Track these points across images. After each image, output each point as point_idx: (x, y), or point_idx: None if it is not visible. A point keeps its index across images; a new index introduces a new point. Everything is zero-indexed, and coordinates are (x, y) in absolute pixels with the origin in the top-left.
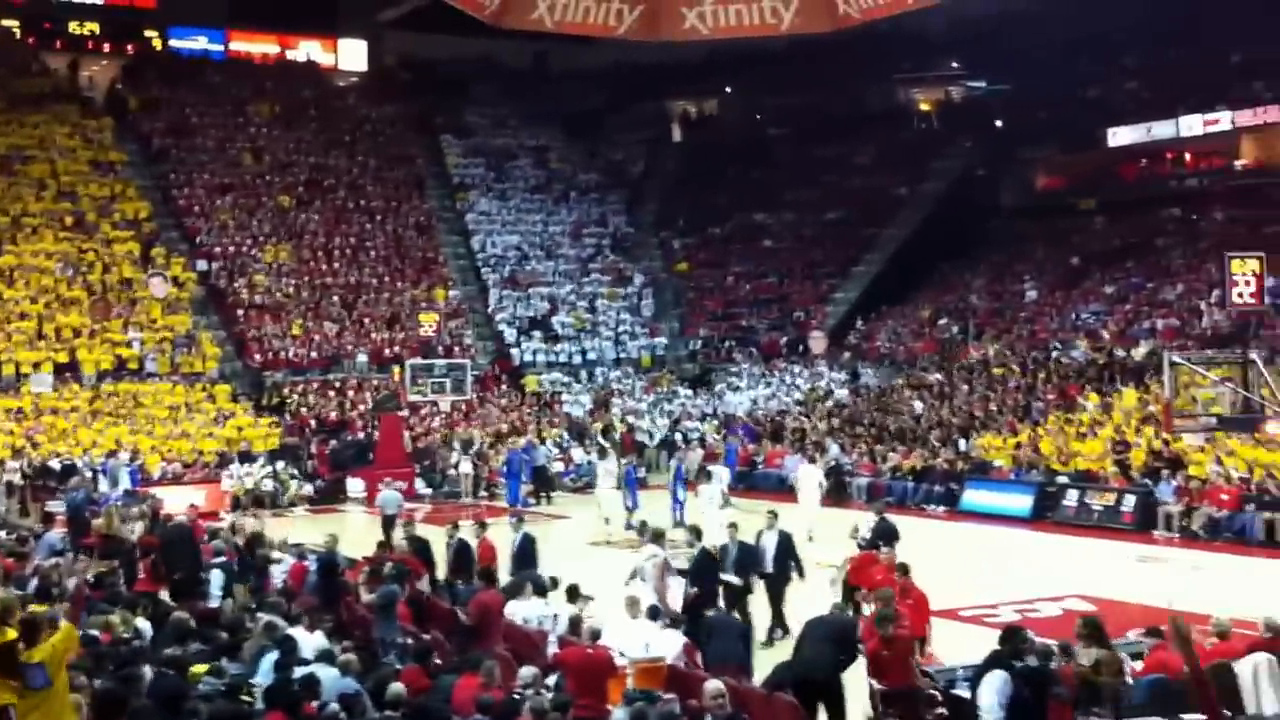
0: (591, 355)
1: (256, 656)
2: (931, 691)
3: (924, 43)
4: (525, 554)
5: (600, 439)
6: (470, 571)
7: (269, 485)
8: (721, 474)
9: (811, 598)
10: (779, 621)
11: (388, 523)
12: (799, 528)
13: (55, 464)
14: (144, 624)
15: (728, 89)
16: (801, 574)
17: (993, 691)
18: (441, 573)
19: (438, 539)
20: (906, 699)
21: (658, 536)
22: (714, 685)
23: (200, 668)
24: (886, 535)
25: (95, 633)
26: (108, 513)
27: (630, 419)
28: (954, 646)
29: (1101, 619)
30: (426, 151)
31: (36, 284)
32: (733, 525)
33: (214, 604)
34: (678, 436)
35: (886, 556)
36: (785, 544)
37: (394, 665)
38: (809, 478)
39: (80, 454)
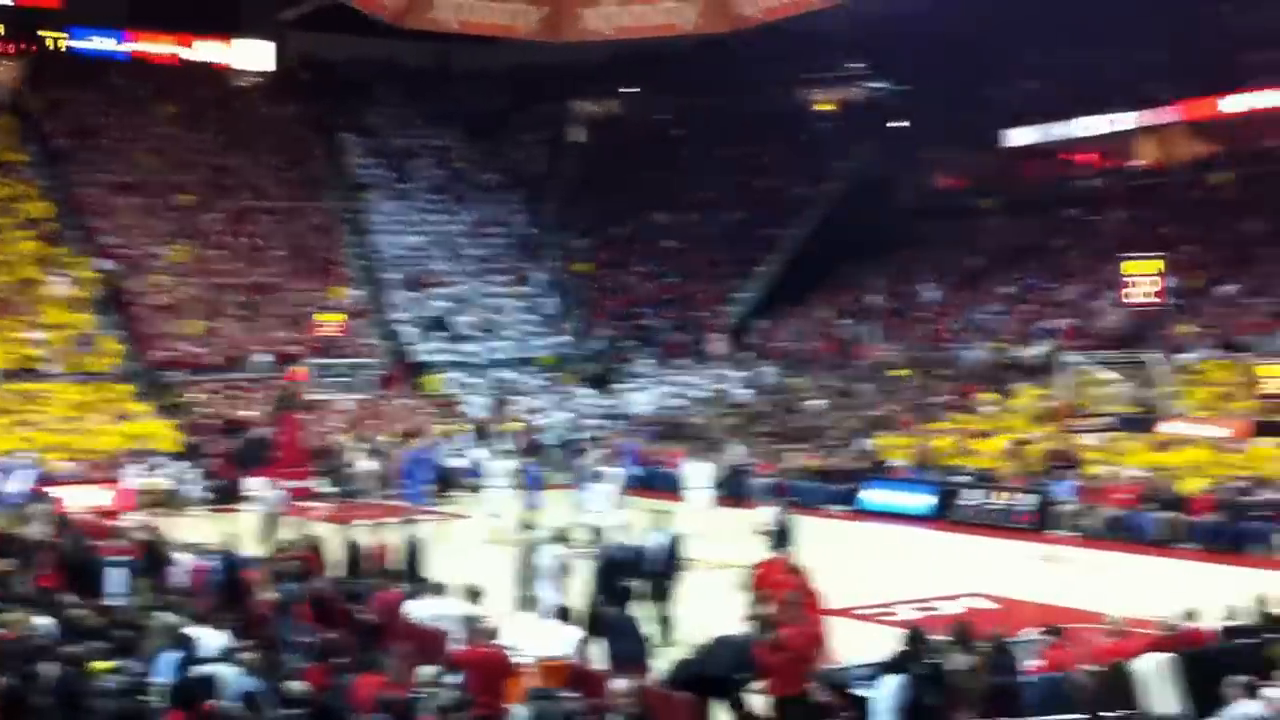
0: (493, 355)
1: (157, 655)
2: (823, 700)
3: (825, 43)
4: (413, 554)
5: (501, 440)
6: (362, 571)
7: (169, 485)
8: (616, 474)
9: (719, 600)
10: (666, 624)
11: (271, 522)
12: (690, 526)
13: None
14: (46, 622)
15: (630, 90)
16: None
17: (888, 697)
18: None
19: (339, 538)
20: (796, 707)
21: (559, 536)
22: (621, 683)
23: (102, 664)
24: (785, 535)
25: None
26: (9, 512)
27: (531, 419)
28: (853, 645)
29: (969, 623)
30: (328, 152)
31: None
32: (620, 527)
33: (115, 602)
34: (579, 437)
35: (784, 557)
36: (673, 545)
37: (295, 664)
38: (697, 475)
39: None
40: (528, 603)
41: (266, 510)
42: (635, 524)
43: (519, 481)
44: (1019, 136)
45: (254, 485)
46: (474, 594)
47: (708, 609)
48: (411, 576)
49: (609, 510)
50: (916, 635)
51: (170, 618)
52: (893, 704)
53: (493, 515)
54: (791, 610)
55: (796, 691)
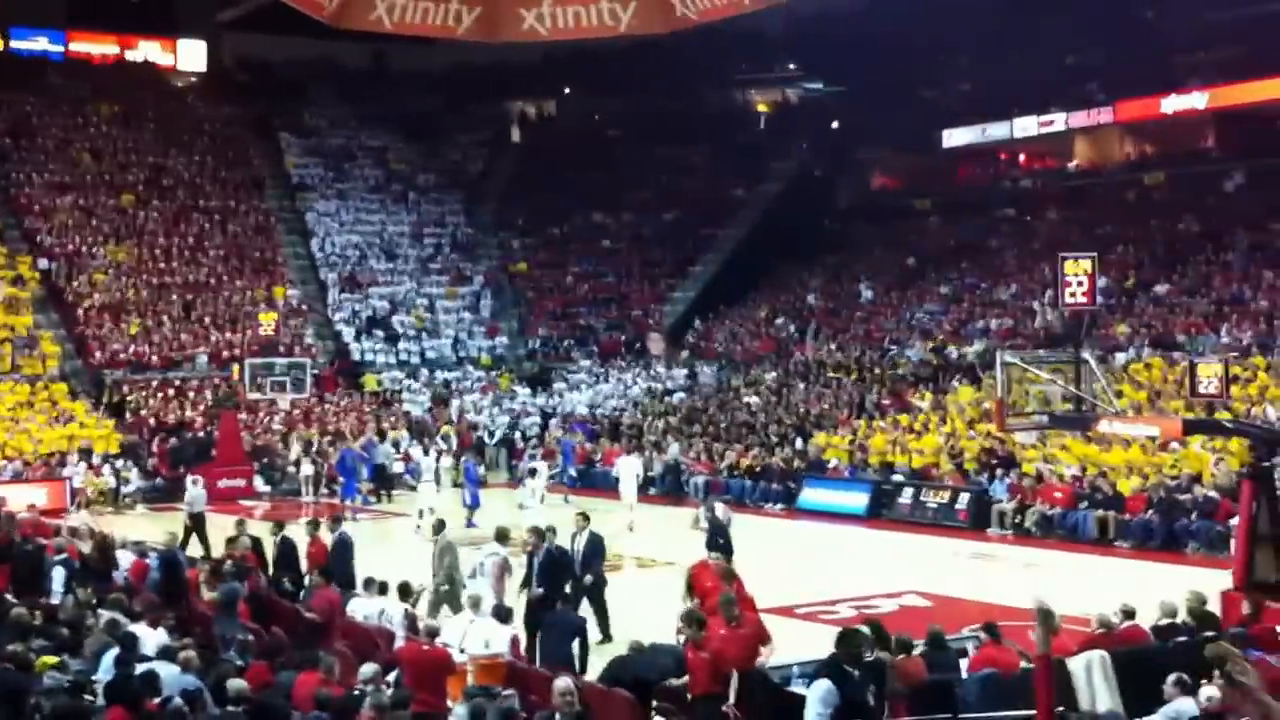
0: (431, 355)
1: (98, 653)
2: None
3: (761, 44)
4: (341, 553)
5: (440, 439)
6: (296, 569)
7: (110, 483)
8: (542, 470)
9: (651, 597)
10: (603, 625)
11: (196, 520)
12: (621, 521)
13: None
14: None
15: (566, 90)
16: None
17: (817, 700)
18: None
19: (275, 536)
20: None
21: (501, 535)
22: (563, 682)
23: (48, 659)
24: (720, 533)
25: None
26: None
27: (469, 417)
28: (791, 643)
29: (883, 624)
30: (265, 152)
31: None
32: (550, 529)
33: (55, 600)
34: (516, 435)
35: (715, 562)
36: (596, 546)
37: (234, 661)
38: (628, 469)
39: None
40: (446, 597)
41: (188, 509)
42: (558, 523)
43: (457, 480)
44: (955, 137)
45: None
46: (408, 592)
47: (641, 607)
48: (342, 575)
49: (534, 505)
50: (849, 636)
51: (112, 615)
52: (819, 709)
53: (426, 512)
54: (728, 610)
55: (713, 690)
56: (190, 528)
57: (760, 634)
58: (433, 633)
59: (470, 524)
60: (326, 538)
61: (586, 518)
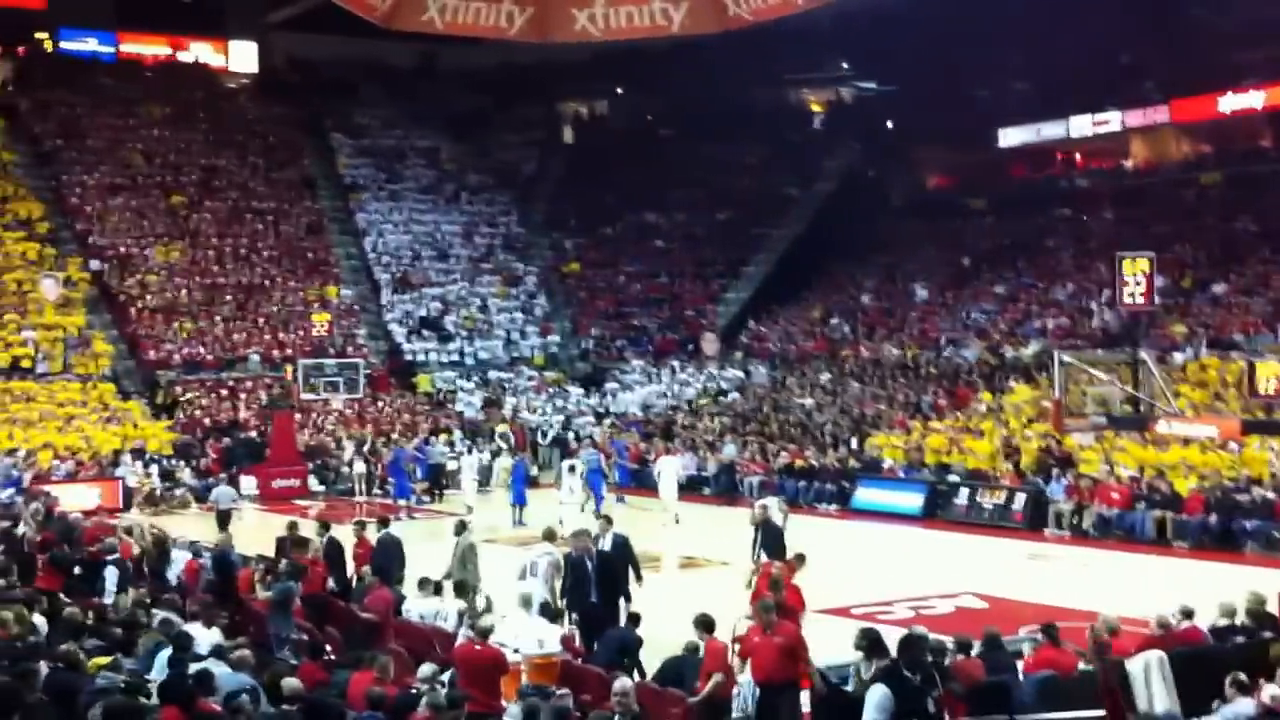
0: (484, 355)
1: (151, 653)
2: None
3: (813, 43)
4: (385, 554)
5: (497, 439)
6: (342, 569)
7: (161, 483)
8: (580, 467)
9: (699, 596)
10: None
11: (222, 518)
12: (664, 520)
13: None
14: (40, 620)
15: (617, 89)
16: (639, 578)
17: (873, 706)
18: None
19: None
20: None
21: (549, 535)
22: (621, 683)
23: (101, 659)
24: (768, 536)
25: None
26: (3, 510)
27: (523, 417)
28: (847, 644)
29: (878, 631)
30: (316, 152)
31: None
32: (585, 531)
33: (108, 600)
34: (570, 435)
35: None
36: (621, 549)
37: (289, 661)
38: (668, 468)
39: None
40: (522, 601)
41: (218, 506)
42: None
43: (505, 480)
44: (1010, 136)
45: (248, 484)
46: (465, 591)
47: (695, 607)
48: (384, 576)
49: (572, 502)
50: (913, 642)
51: (164, 615)
52: (877, 711)
53: (467, 510)
54: (764, 617)
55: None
56: (222, 524)
57: (792, 646)
58: (485, 632)
59: (519, 523)
60: (373, 538)
61: (610, 521)
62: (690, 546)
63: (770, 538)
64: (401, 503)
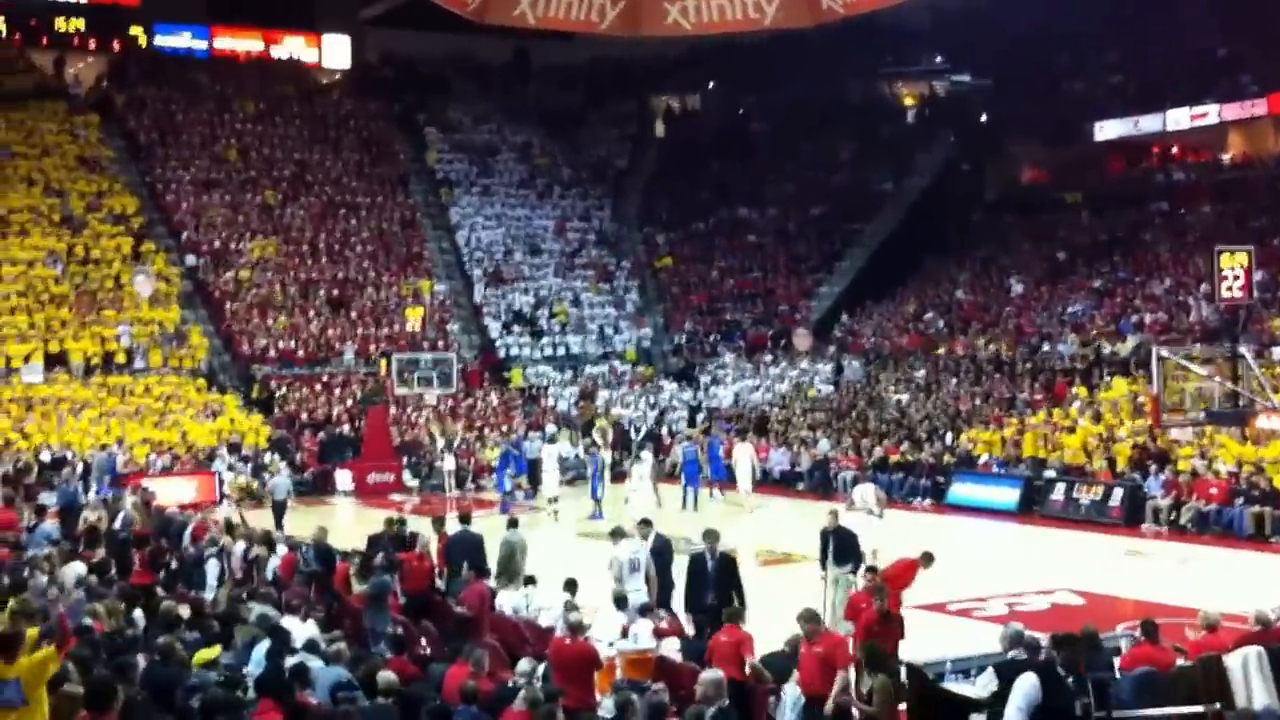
0: (576, 349)
1: (248, 646)
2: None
3: (906, 36)
4: (459, 549)
5: (595, 435)
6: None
7: (245, 480)
8: (648, 459)
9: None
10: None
11: (278, 509)
12: (748, 506)
13: (46, 456)
14: (137, 614)
15: (710, 84)
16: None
17: (1020, 694)
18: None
19: (424, 530)
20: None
21: (617, 533)
22: (711, 674)
23: (206, 654)
24: (842, 543)
25: (89, 622)
26: (101, 504)
27: (615, 412)
28: (944, 640)
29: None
30: (409, 147)
31: (25, 279)
32: (645, 522)
33: (209, 594)
34: (664, 430)
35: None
36: (661, 552)
37: (384, 654)
38: (743, 457)
39: (71, 446)
40: (616, 596)
41: (274, 498)
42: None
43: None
44: (1106, 130)
45: (343, 479)
46: (572, 587)
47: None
48: (455, 571)
49: (644, 489)
50: (1074, 641)
51: (261, 609)
52: (1023, 700)
53: (551, 502)
54: (808, 626)
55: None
56: (277, 516)
57: (832, 658)
58: (577, 628)
59: (597, 515)
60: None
61: (649, 523)
62: (786, 542)
63: (844, 545)
64: (501, 498)
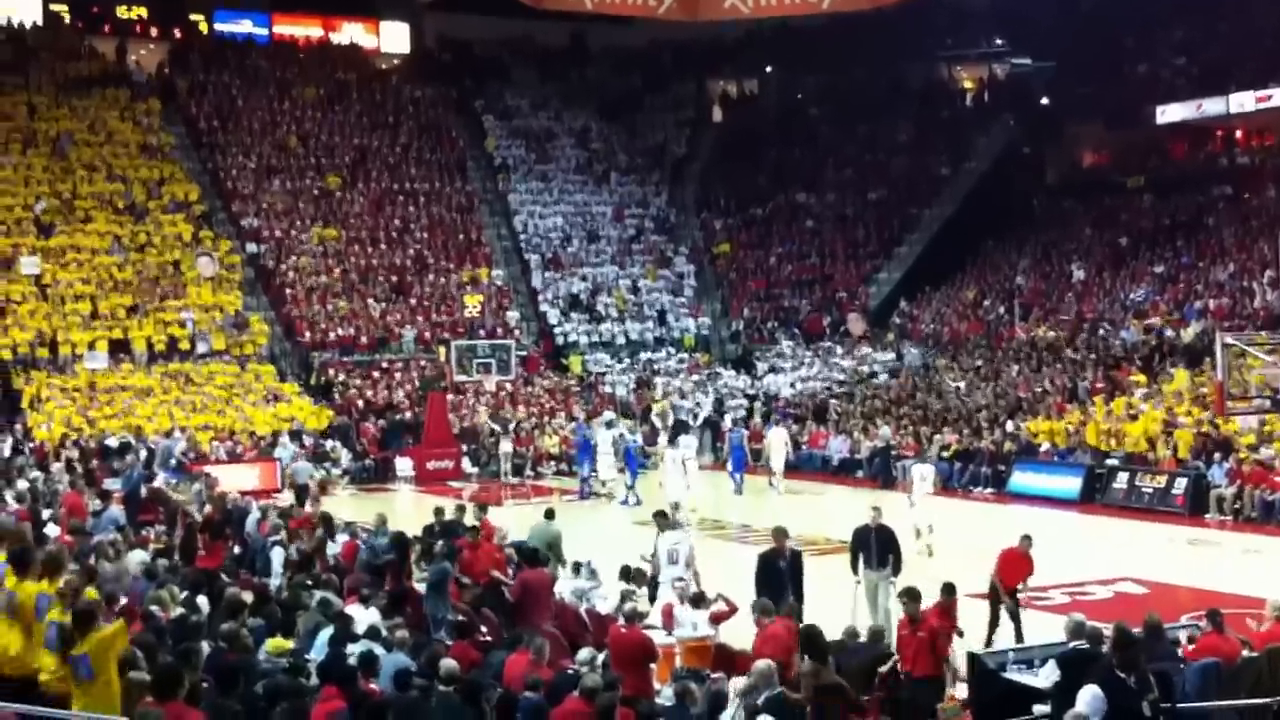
0: (634, 336)
1: (311, 633)
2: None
3: (966, 19)
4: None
5: (655, 419)
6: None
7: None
8: (690, 442)
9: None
10: None
11: (299, 493)
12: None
13: (111, 441)
14: (202, 600)
15: (768, 68)
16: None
17: (1084, 704)
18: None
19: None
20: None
21: (662, 515)
22: (764, 664)
23: (280, 643)
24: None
25: (155, 609)
26: (167, 490)
27: (673, 399)
28: (1006, 630)
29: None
30: (467, 133)
31: (89, 266)
32: (661, 514)
33: (275, 581)
34: (728, 418)
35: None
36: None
37: (445, 641)
38: (777, 440)
39: (135, 432)
40: (674, 585)
41: (296, 481)
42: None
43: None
44: (1169, 113)
45: (403, 465)
46: (629, 575)
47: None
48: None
49: (675, 473)
50: (1134, 640)
51: (323, 595)
52: (1089, 711)
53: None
54: (909, 606)
55: (932, 673)
56: (299, 499)
57: (937, 639)
58: (633, 616)
59: (625, 501)
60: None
61: (665, 515)
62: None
63: (886, 545)
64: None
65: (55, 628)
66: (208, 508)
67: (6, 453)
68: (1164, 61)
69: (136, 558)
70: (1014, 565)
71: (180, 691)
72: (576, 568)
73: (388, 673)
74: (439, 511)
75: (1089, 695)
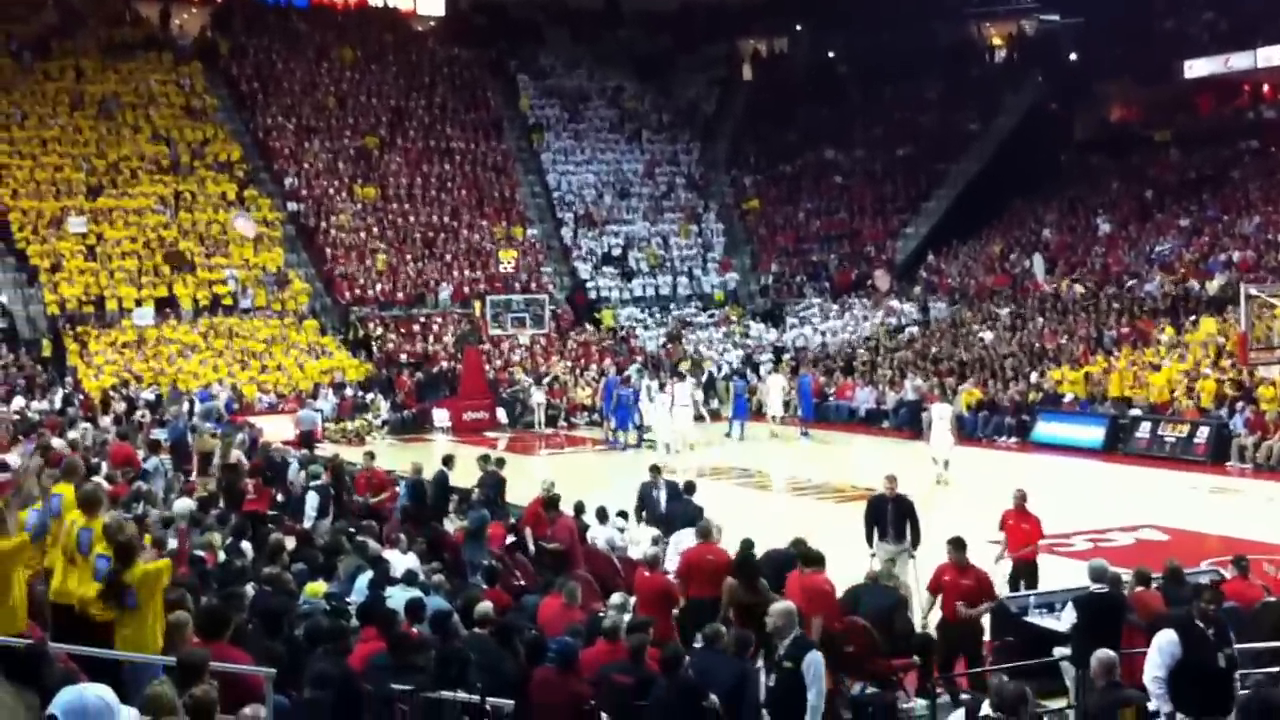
0: (664, 291)
1: (351, 576)
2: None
3: None
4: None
5: (687, 372)
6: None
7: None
8: (684, 389)
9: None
10: None
11: (306, 439)
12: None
13: (148, 395)
14: (246, 545)
15: (797, 27)
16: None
17: (1157, 652)
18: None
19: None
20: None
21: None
22: (783, 605)
23: (318, 587)
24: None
25: (200, 553)
26: (213, 439)
27: (702, 351)
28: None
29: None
30: (502, 93)
31: (136, 226)
32: (655, 468)
33: (308, 524)
34: (767, 371)
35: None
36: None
37: (481, 585)
38: (775, 386)
39: (181, 385)
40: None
41: (302, 428)
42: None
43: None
44: (1197, 68)
45: (440, 416)
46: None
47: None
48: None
49: (677, 413)
50: (1200, 588)
51: (363, 540)
52: (1161, 656)
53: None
54: (956, 554)
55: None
56: (307, 446)
57: (985, 586)
58: (653, 561)
59: (614, 444)
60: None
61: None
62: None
63: (902, 516)
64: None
65: (104, 560)
66: (253, 457)
67: (58, 404)
68: (1192, 17)
69: (183, 505)
70: (1014, 531)
71: (225, 632)
72: (603, 515)
73: (423, 615)
74: (485, 459)
75: (1164, 641)
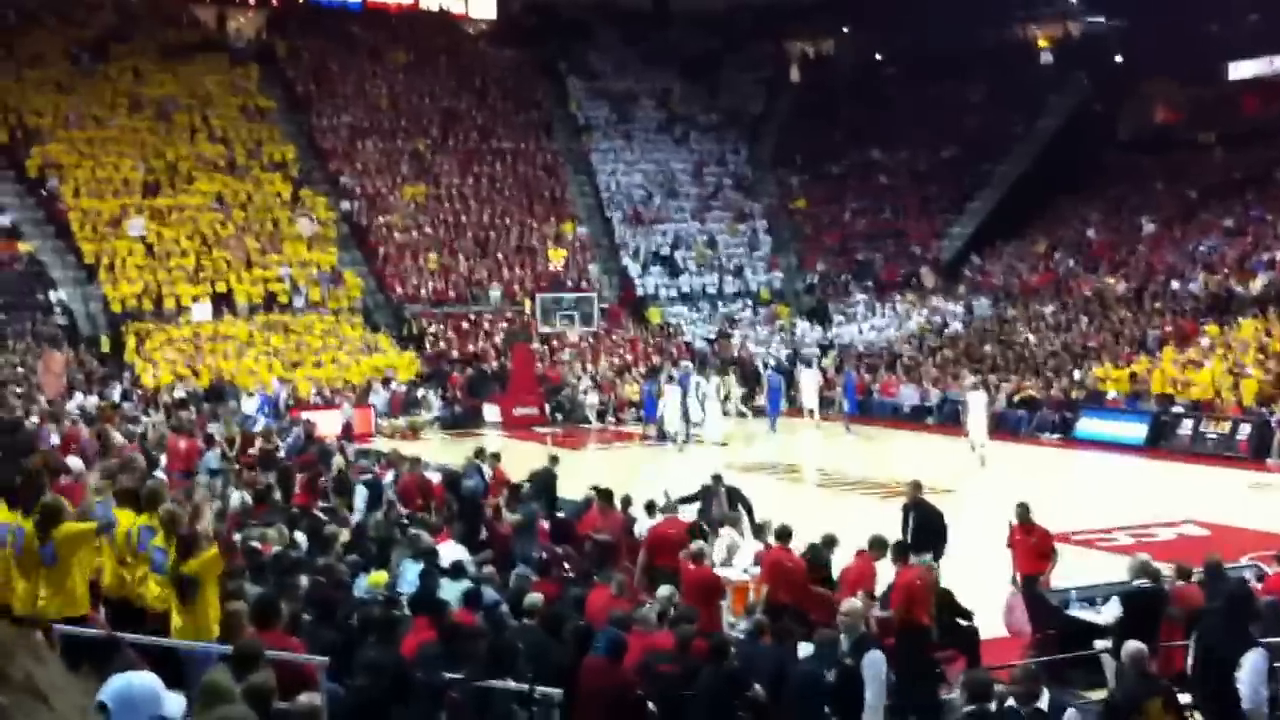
0: (711, 289)
1: (402, 567)
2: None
3: None
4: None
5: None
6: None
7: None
8: (688, 382)
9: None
10: None
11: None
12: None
13: (180, 392)
14: (300, 537)
15: (844, 29)
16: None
17: (1250, 668)
18: None
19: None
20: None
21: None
22: (851, 603)
23: (380, 577)
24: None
25: (256, 544)
26: (267, 432)
27: (750, 348)
28: (1069, 569)
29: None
30: (552, 95)
31: (193, 224)
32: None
33: (357, 518)
34: (801, 367)
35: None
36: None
37: (530, 577)
38: (809, 380)
39: (238, 380)
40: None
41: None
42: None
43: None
44: (1242, 69)
45: (490, 412)
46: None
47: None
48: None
49: (706, 404)
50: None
51: (415, 532)
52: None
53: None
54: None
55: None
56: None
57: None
58: (697, 555)
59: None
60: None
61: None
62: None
63: (926, 525)
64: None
65: (160, 553)
66: (306, 450)
67: (116, 398)
68: (1236, 19)
69: (238, 497)
70: (1022, 545)
71: (280, 621)
72: (650, 508)
73: (473, 606)
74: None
75: (1256, 658)
